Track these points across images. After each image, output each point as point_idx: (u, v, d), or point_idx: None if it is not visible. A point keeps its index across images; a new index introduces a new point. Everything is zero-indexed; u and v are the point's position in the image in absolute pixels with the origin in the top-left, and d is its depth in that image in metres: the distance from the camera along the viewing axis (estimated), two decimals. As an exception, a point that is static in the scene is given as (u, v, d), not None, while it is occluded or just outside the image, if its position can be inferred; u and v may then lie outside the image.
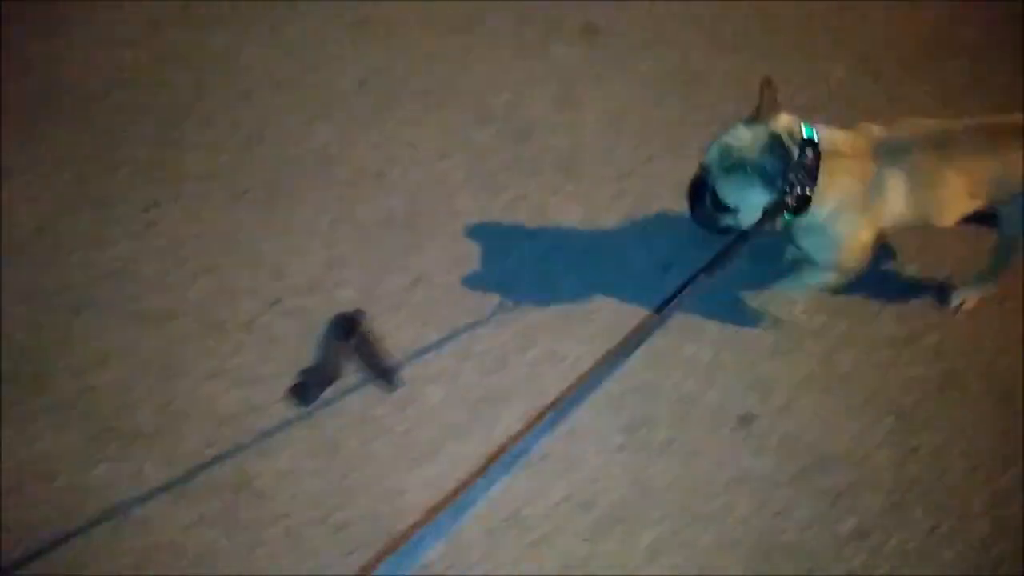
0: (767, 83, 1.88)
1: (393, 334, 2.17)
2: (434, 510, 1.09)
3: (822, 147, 1.85)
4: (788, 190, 1.83)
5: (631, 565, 1.91)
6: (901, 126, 1.93)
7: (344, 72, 2.73)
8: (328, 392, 2.10)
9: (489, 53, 2.81)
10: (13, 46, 2.75)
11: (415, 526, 1.09)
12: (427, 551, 1.11)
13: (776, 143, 1.84)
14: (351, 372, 2.13)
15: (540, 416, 1.27)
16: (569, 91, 2.71)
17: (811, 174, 1.83)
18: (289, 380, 2.12)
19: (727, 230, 1.96)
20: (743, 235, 1.82)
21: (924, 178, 1.88)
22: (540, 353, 2.19)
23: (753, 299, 2.28)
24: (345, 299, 2.25)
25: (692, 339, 2.21)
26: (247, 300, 2.26)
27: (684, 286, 1.61)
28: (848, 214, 1.90)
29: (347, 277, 2.30)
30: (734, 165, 1.88)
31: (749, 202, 1.89)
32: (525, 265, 2.34)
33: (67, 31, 2.80)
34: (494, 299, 2.26)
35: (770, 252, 2.29)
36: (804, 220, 1.92)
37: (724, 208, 1.93)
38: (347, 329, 2.18)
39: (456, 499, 1.16)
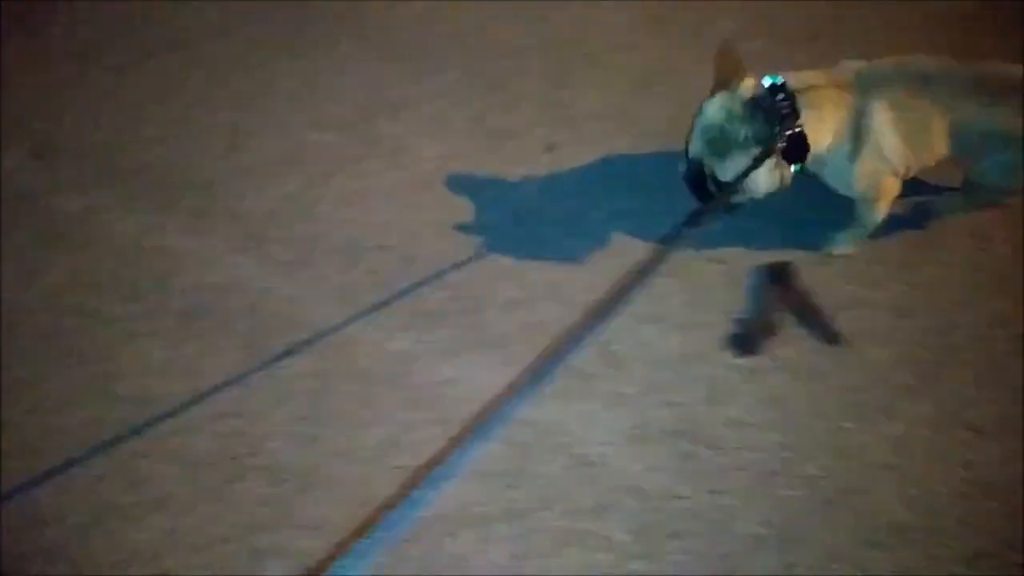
0: (725, 49, 1.91)
1: (824, 288, 2.12)
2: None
3: (795, 86, 1.87)
4: (779, 138, 1.86)
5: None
6: (885, 61, 1.93)
7: (719, 14, 2.65)
8: (768, 343, 2.07)
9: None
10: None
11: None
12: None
13: (752, 105, 1.88)
14: (789, 324, 2.08)
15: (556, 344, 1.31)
16: (963, 41, 2.58)
17: (791, 114, 1.86)
18: (722, 328, 2.09)
19: (739, 206, 2.02)
20: (748, 171, 1.84)
21: (909, 112, 1.88)
22: (983, 317, 2.11)
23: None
24: (767, 251, 2.20)
25: None
26: (665, 246, 2.22)
27: (690, 220, 1.68)
28: (846, 143, 1.91)
29: (761, 228, 2.24)
30: (726, 146, 1.91)
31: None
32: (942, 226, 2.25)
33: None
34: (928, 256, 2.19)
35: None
36: (815, 159, 1.93)
37: (731, 188, 1.91)
38: (779, 280, 2.14)
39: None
